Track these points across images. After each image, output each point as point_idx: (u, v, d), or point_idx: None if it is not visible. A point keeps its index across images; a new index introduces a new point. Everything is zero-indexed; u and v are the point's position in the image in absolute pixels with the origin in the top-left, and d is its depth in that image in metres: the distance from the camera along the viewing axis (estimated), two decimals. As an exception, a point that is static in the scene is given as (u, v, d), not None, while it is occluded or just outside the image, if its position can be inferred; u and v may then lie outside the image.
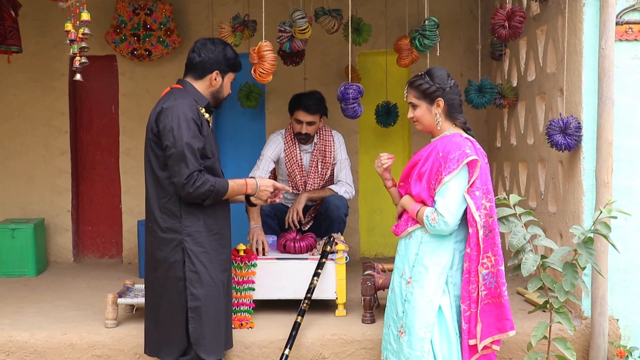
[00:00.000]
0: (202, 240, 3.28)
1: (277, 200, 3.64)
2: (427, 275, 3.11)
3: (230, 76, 3.46)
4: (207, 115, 3.38)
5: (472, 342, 3.08)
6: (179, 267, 3.25)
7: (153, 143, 3.26)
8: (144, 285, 4.27)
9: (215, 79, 3.38)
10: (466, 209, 3.05)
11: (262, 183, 3.48)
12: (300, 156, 4.88)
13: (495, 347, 3.11)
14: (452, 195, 3.03)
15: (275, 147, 4.89)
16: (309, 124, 4.75)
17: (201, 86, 3.39)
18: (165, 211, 3.27)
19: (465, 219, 3.08)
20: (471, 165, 3.03)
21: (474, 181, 3.02)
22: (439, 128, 3.19)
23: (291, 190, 3.68)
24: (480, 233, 3.01)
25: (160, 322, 3.34)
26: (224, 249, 3.41)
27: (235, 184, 3.37)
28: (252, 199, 3.55)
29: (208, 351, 3.30)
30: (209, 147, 3.31)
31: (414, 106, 3.23)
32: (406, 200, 3.26)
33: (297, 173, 4.84)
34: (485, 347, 3.08)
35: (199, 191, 3.16)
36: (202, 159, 3.25)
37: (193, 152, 3.16)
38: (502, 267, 3.06)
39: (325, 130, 4.93)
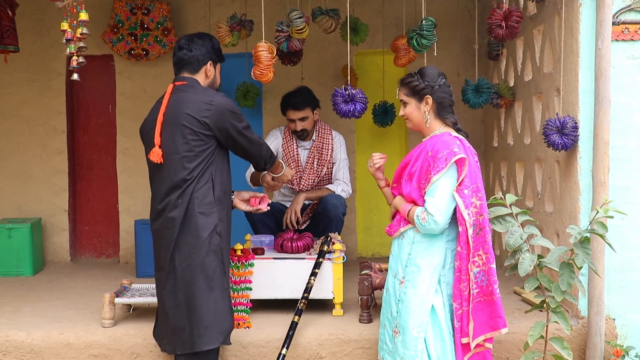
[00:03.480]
0: (226, 227, 3.45)
1: (264, 209, 3.77)
2: (420, 275, 3.12)
3: (219, 66, 3.61)
4: None
5: (464, 340, 3.09)
6: (217, 251, 3.36)
7: (198, 131, 3.33)
8: (142, 285, 4.32)
9: (209, 70, 3.51)
10: (456, 207, 3.06)
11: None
12: (297, 152, 4.91)
13: (488, 345, 3.12)
14: (441, 194, 3.04)
15: (271, 142, 4.93)
16: (302, 119, 4.81)
17: (202, 81, 3.49)
18: (198, 196, 3.35)
19: (456, 218, 3.09)
20: (459, 164, 3.04)
21: (462, 179, 3.03)
22: (428, 126, 3.22)
23: (269, 204, 3.78)
24: (470, 231, 3.02)
25: (198, 311, 3.33)
26: (230, 240, 3.54)
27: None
28: (235, 202, 3.74)
29: (225, 338, 3.42)
30: None
31: (405, 103, 3.27)
32: (398, 201, 3.28)
33: (292, 168, 4.86)
34: (478, 345, 3.09)
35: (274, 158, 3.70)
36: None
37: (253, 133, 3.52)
38: (494, 265, 3.07)
39: (324, 129, 4.96)
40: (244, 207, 3.73)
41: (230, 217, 3.53)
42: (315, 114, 4.90)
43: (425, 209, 3.06)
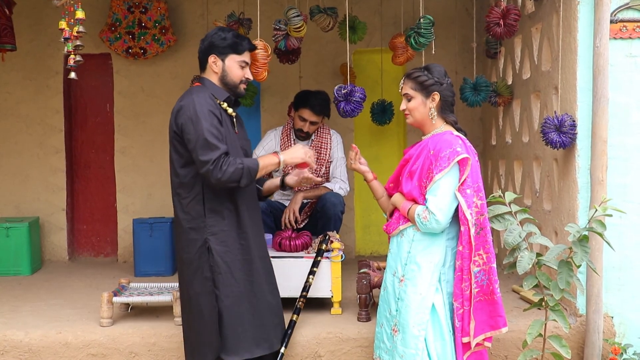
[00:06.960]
0: (226, 239, 3.26)
1: (313, 165, 3.56)
2: (420, 273, 3.12)
3: (233, 57, 3.34)
4: (230, 110, 3.34)
5: (465, 339, 3.08)
6: (205, 268, 3.24)
7: (175, 142, 3.25)
8: (140, 284, 4.32)
9: (215, 64, 3.33)
10: (457, 206, 3.05)
11: (291, 150, 3.45)
12: None
13: (487, 344, 3.12)
14: (443, 193, 3.03)
15: (265, 144, 4.93)
16: (312, 123, 4.79)
17: (211, 78, 3.37)
18: (188, 211, 3.25)
19: (456, 217, 3.08)
20: (462, 164, 3.03)
21: (464, 179, 3.02)
22: (433, 122, 3.19)
23: (315, 168, 3.68)
24: (472, 231, 3.02)
25: (192, 324, 3.32)
26: (250, 249, 3.35)
27: (265, 158, 3.32)
28: (286, 179, 3.62)
29: (228, 351, 3.27)
30: (233, 141, 3.29)
31: (409, 98, 3.22)
32: (397, 199, 3.27)
33: (291, 169, 4.84)
34: (477, 344, 3.09)
35: (228, 172, 3.10)
36: None
37: (216, 137, 3.13)
38: (494, 265, 3.06)
39: (323, 129, 4.95)
40: (294, 181, 3.66)
41: (246, 224, 3.31)
42: (323, 121, 4.90)
43: (427, 207, 3.05)
